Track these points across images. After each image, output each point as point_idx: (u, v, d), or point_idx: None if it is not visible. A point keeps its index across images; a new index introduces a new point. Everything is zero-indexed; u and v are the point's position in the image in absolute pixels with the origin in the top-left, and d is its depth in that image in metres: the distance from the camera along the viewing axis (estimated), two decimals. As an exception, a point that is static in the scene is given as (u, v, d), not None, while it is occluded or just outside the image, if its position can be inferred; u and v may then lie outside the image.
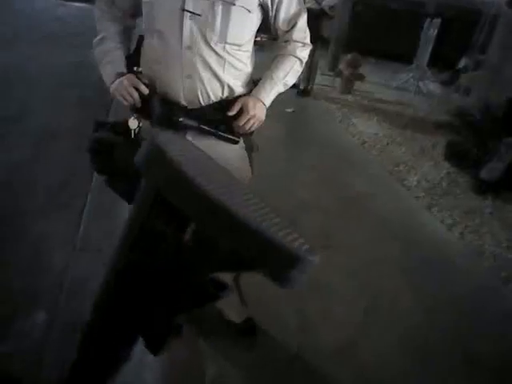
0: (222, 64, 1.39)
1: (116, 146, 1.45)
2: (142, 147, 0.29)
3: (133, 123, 1.45)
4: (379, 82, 6.76)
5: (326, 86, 6.26)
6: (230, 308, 1.93)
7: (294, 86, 5.45)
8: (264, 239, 0.26)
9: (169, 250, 0.28)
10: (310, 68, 5.45)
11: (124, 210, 2.41)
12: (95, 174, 2.78)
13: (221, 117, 1.44)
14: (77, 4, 8.53)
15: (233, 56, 1.41)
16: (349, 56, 5.95)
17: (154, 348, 0.32)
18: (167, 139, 0.28)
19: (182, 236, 0.29)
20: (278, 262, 0.26)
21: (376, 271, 2.49)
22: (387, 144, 4.62)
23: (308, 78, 5.60)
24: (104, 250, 2.29)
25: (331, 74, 6.60)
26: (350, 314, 2.16)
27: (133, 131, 1.46)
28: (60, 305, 1.91)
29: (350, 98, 5.99)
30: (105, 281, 0.32)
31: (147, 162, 0.28)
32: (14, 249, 2.21)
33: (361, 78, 6.09)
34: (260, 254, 0.26)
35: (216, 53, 1.37)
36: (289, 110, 4.93)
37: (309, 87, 5.71)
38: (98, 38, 1.50)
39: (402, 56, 7.11)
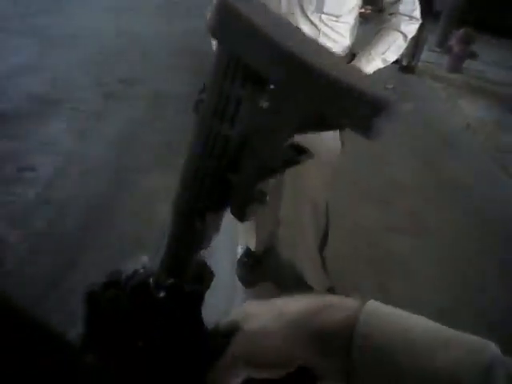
0: (317, 34, 1.39)
1: None
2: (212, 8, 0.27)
3: None
4: (494, 60, 6.18)
5: (432, 63, 5.88)
6: (313, 275, 2.00)
7: (397, 61, 5.21)
8: (342, 88, 0.23)
9: (246, 114, 0.28)
10: (417, 43, 5.15)
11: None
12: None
13: None
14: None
15: (329, 27, 1.39)
16: (461, 31, 5.50)
17: (239, 215, 0.32)
18: None
19: (258, 99, 0.28)
20: (361, 112, 0.24)
21: (467, 261, 2.39)
22: (494, 129, 4.27)
23: (413, 53, 5.30)
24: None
25: (439, 50, 6.17)
26: (437, 300, 2.09)
27: None
28: (161, 251, 2.13)
29: (458, 76, 5.57)
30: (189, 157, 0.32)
31: (218, 21, 0.26)
32: (124, 201, 2.49)
33: (473, 55, 5.61)
34: (341, 106, 0.24)
35: (311, 22, 1.37)
36: (389, 87, 4.74)
37: (413, 63, 5.41)
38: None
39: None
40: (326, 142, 1.59)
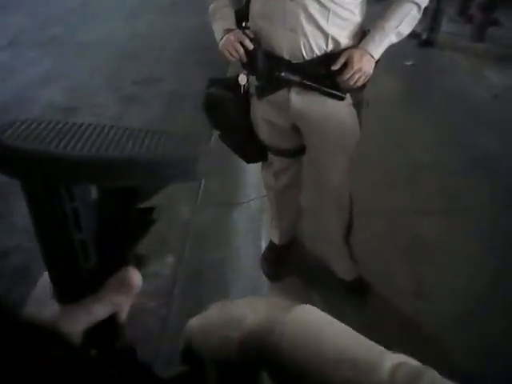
0: (326, 14, 1.31)
1: (225, 100, 1.52)
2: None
3: (242, 79, 1.50)
4: (519, 25, 5.86)
5: (453, 33, 5.63)
6: (340, 266, 1.95)
7: (416, 36, 5.02)
8: (148, 166, 0.26)
9: (88, 215, 0.29)
10: (435, 15, 4.94)
11: (240, 166, 2.56)
12: (214, 132, 2.97)
13: (325, 71, 1.39)
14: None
15: (338, 4, 1.31)
16: (482, -2, 5.23)
17: None
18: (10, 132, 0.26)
19: (89, 198, 0.30)
20: (180, 173, 0.28)
21: (501, 240, 2.24)
22: (525, 97, 4.05)
23: (432, 26, 5.08)
24: (223, 204, 2.47)
25: (460, 19, 5.90)
26: (470, 285, 1.97)
27: (242, 87, 1.51)
28: (186, 251, 2.14)
29: (481, 46, 5.30)
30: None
31: (6, 167, 0.26)
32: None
33: (496, 23, 5.34)
34: (158, 177, 0.27)
35: (319, 2, 1.29)
36: (409, 63, 4.58)
37: (433, 36, 5.19)
38: None
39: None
40: (345, 127, 1.53)
